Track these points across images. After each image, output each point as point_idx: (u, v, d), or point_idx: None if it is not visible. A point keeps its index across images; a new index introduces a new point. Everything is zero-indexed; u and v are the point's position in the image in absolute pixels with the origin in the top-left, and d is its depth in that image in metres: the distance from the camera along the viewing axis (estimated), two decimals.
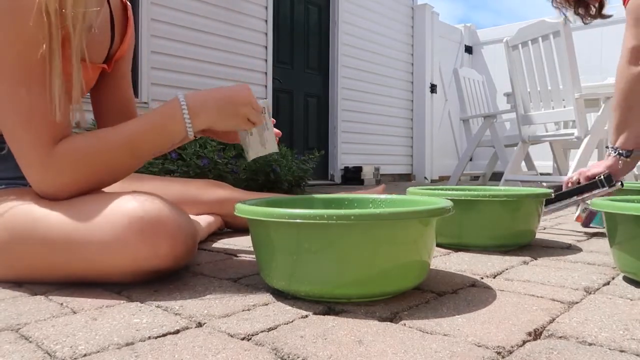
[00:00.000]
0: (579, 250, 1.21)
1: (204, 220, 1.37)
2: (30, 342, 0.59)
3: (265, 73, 4.61)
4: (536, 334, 0.62)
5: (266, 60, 4.62)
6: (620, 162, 1.34)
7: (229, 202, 1.43)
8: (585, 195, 1.39)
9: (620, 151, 1.33)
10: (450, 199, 0.94)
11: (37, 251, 0.81)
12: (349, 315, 0.68)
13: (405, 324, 0.65)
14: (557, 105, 2.69)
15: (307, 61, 5.15)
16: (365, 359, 0.54)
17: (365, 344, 0.58)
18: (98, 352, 0.56)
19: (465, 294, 0.79)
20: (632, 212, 0.81)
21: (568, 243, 1.31)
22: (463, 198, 1.14)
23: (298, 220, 0.68)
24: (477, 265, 1.01)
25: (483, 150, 4.70)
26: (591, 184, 1.35)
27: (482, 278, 0.91)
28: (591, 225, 1.46)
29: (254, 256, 1.05)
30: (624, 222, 0.85)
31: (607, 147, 1.38)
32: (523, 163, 3.27)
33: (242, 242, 1.33)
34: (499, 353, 0.55)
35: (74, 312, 0.70)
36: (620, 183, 1.36)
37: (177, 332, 0.62)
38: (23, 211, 0.82)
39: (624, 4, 1.32)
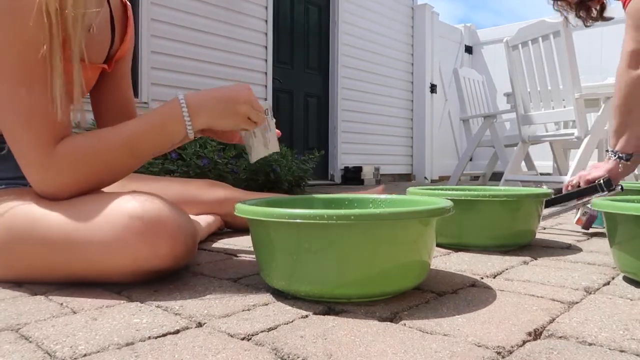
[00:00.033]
0: (579, 250, 1.21)
1: (204, 220, 1.37)
2: (30, 342, 0.59)
3: (265, 73, 4.61)
4: (536, 334, 0.62)
5: (266, 60, 4.62)
6: (620, 165, 1.34)
7: (229, 202, 1.43)
8: (585, 199, 1.39)
9: (620, 155, 1.33)
10: (450, 199, 0.94)
11: (37, 251, 0.81)
12: (349, 315, 0.68)
13: (405, 324, 0.65)
14: (557, 105, 2.69)
15: (307, 61, 5.15)
16: (365, 359, 0.54)
17: (365, 344, 0.58)
18: (98, 352, 0.56)
19: (465, 294, 0.79)
20: (632, 212, 0.81)
21: (568, 243, 1.31)
22: (463, 198, 1.14)
23: (298, 220, 0.68)
24: (477, 265, 1.01)
25: (483, 150, 4.70)
26: (591, 188, 1.35)
27: (482, 278, 0.91)
28: (592, 225, 1.46)
29: (254, 256, 1.05)
30: (624, 222, 0.85)
31: (607, 150, 1.38)
32: (523, 163, 3.27)
33: (242, 242, 1.33)
34: (499, 353, 0.55)
35: (74, 312, 0.70)
36: (620, 187, 1.36)
37: (177, 332, 0.62)
38: (23, 211, 0.82)
39: (623, 6, 1.32)
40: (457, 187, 1.39)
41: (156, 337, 0.60)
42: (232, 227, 1.52)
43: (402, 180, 6.13)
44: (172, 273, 0.91)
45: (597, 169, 1.38)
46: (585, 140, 2.56)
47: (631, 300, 0.77)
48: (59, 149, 0.83)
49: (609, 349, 0.57)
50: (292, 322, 0.66)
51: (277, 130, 1.05)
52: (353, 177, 5.16)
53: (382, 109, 5.86)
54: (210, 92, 0.93)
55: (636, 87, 1.28)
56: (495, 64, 6.73)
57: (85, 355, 0.55)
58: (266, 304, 0.74)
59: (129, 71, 1.16)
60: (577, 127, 2.56)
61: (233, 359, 0.54)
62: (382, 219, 0.69)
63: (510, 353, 0.55)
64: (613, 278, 0.91)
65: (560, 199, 1.42)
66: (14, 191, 0.88)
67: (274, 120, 1.02)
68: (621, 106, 1.31)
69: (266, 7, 4.60)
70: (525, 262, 1.05)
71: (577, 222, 1.45)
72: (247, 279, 0.90)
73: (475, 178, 5.07)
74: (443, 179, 6.39)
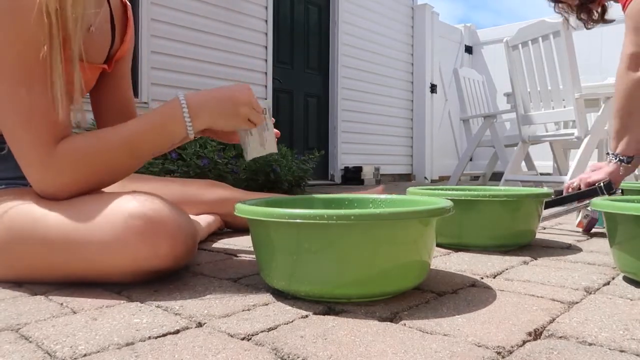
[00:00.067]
0: (579, 250, 1.21)
1: (204, 220, 1.37)
2: (30, 342, 0.59)
3: (265, 73, 4.61)
4: (536, 334, 0.62)
5: (266, 60, 4.62)
6: (621, 168, 1.34)
7: (229, 202, 1.43)
8: (585, 201, 1.39)
9: (621, 157, 1.34)
10: (450, 199, 0.94)
11: (36, 251, 0.81)
12: (349, 315, 0.68)
13: (405, 324, 0.65)
14: (557, 105, 2.69)
15: (307, 61, 5.15)
16: (365, 359, 0.54)
17: (365, 344, 0.58)
18: (98, 352, 0.56)
19: (465, 294, 0.79)
20: (632, 212, 0.81)
21: (568, 243, 1.31)
22: (463, 198, 1.14)
23: (298, 220, 0.68)
24: (477, 265, 1.01)
25: (483, 150, 4.70)
26: (591, 191, 1.35)
27: (482, 278, 0.91)
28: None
29: (254, 256, 1.05)
30: (624, 222, 0.85)
31: (607, 153, 1.38)
32: (523, 163, 3.27)
33: (242, 242, 1.33)
34: (499, 353, 0.55)
35: (74, 312, 0.70)
36: (620, 191, 1.36)
37: (177, 332, 0.62)
38: (23, 211, 0.82)
39: (623, 9, 1.32)
40: (457, 187, 1.39)
41: (156, 337, 0.60)
42: (232, 227, 1.52)
43: (402, 180, 6.13)
44: (172, 273, 0.91)
45: (598, 172, 1.38)
46: (585, 140, 2.56)
47: (631, 300, 0.77)
48: (59, 149, 0.83)
49: (609, 349, 0.57)
50: (292, 322, 0.66)
51: (276, 131, 1.05)
52: (353, 177, 5.16)
53: (382, 109, 5.86)
54: (211, 92, 0.93)
55: (636, 89, 1.28)
56: (495, 64, 6.73)
57: (85, 355, 0.55)
58: (266, 304, 0.74)
59: (129, 71, 1.16)
60: (577, 127, 2.56)
61: (233, 359, 0.54)
62: (382, 219, 0.69)
63: (510, 353, 0.55)
64: (613, 278, 0.91)
65: (560, 201, 1.42)
66: (14, 191, 0.88)
67: (273, 120, 1.02)
68: (621, 109, 1.31)
69: (266, 7, 4.60)
70: (525, 262, 1.05)
71: (578, 225, 1.45)
72: (247, 279, 0.90)
73: (475, 178, 5.07)
74: (443, 179, 6.39)
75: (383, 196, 0.99)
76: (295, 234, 0.71)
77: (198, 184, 1.47)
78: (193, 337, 0.60)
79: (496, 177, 3.69)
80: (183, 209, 0.90)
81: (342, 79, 5.33)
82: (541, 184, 3.08)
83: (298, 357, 0.54)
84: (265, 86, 4.60)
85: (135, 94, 3.62)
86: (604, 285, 0.86)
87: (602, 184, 1.34)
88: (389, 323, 0.65)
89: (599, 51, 5.65)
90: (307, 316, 0.68)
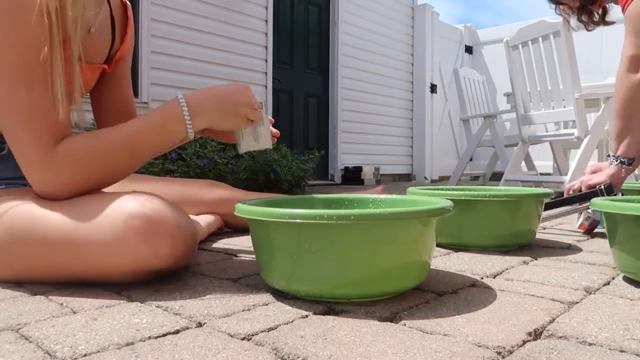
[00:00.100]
0: (579, 250, 1.21)
1: (204, 220, 1.37)
2: (31, 342, 0.59)
3: (265, 73, 4.61)
4: (536, 334, 0.62)
5: (266, 60, 4.62)
6: (622, 170, 1.34)
7: (229, 202, 1.43)
8: (585, 204, 1.40)
9: (622, 159, 1.34)
10: (450, 199, 0.94)
11: (37, 251, 0.81)
12: (349, 315, 0.68)
13: (405, 324, 0.65)
14: (557, 105, 2.69)
15: (307, 61, 5.15)
16: (365, 359, 0.54)
17: (365, 344, 0.58)
18: (98, 352, 0.56)
19: (465, 294, 0.79)
20: (632, 212, 0.81)
21: (568, 243, 1.31)
22: (463, 198, 1.14)
23: (298, 220, 0.68)
24: (477, 265, 1.01)
25: (483, 150, 4.70)
26: (592, 193, 1.35)
27: (482, 278, 0.91)
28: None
29: (254, 256, 1.05)
30: (624, 222, 0.85)
31: (608, 155, 1.39)
32: (523, 163, 3.27)
33: (242, 242, 1.33)
34: (499, 353, 0.55)
35: (74, 312, 0.70)
36: (621, 194, 1.37)
37: (177, 332, 0.62)
38: (23, 211, 0.82)
39: (622, 11, 1.32)
40: (457, 187, 1.39)
41: (156, 337, 0.60)
42: (232, 227, 1.52)
43: (402, 180, 6.13)
44: (172, 273, 0.91)
45: (599, 174, 1.38)
46: (585, 140, 2.56)
47: (631, 300, 0.77)
48: (59, 149, 0.83)
49: (609, 349, 0.57)
50: (292, 322, 0.66)
51: (276, 130, 1.05)
52: (353, 177, 5.16)
53: (382, 109, 5.86)
54: (210, 91, 0.92)
55: (636, 91, 1.28)
56: (495, 64, 6.73)
57: (85, 355, 0.55)
58: (266, 304, 0.74)
59: (129, 71, 1.16)
60: (577, 127, 2.56)
61: (233, 359, 0.54)
62: (382, 219, 0.69)
63: (510, 353, 0.55)
64: (613, 278, 0.91)
65: (561, 203, 1.43)
66: (14, 191, 0.88)
67: (269, 115, 1.01)
68: (621, 111, 1.32)
69: (266, 7, 4.60)
70: (525, 262, 1.05)
71: (580, 227, 1.45)
72: (247, 279, 0.90)
73: (475, 178, 5.07)
74: (443, 179, 6.39)
75: (383, 196, 0.99)
76: (295, 234, 0.71)
77: (198, 184, 1.47)
78: (193, 337, 0.60)
79: (496, 177, 3.69)
80: (183, 209, 0.90)
81: (342, 79, 5.33)
82: (541, 184, 3.09)
83: (298, 357, 0.54)
84: (265, 86, 4.60)
85: (135, 94, 3.62)
86: (604, 285, 0.86)
87: (603, 187, 1.34)
88: (389, 323, 0.65)
89: (599, 51, 5.65)
90: (307, 316, 0.68)
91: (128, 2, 1.11)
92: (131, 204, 0.80)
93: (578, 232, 1.50)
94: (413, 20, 6.29)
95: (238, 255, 1.15)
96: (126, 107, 1.14)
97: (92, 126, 1.31)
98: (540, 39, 2.63)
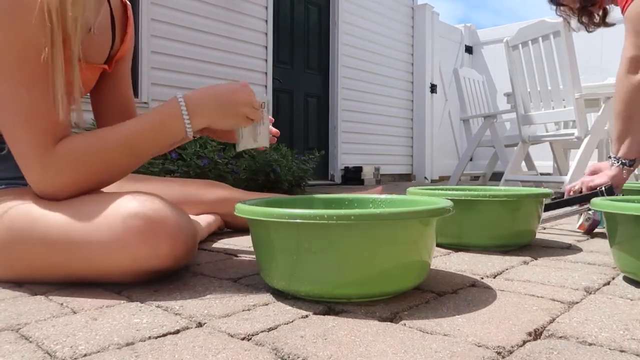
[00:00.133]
0: (579, 250, 1.21)
1: (204, 220, 1.37)
2: (31, 342, 0.59)
3: (265, 73, 4.61)
4: (536, 334, 0.62)
5: (266, 60, 4.62)
6: (623, 171, 1.34)
7: (229, 202, 1.43)
8: (586, 205, 1.40)
9: (623, 161, 1.34)
10: (450, 199, 0.94)
11: (37, 251, 0.81)
12: (349, 315, 0.68)
13: (405, 324, 0.65)
14: (557, 105, 2.69)
15: (307, 61, 5.15)
16: (365, 359, 0.54)
17: (365, 344, 0.58)
18: (98, 352, 0.56)
19: (465, 294, 0.79)
20: (632, 212, 0.81)
21: (568, 243, 1.31)
22: (463, 198, 1.14)
23: (298, 220, 0.68)
24: (477, 265, 1.01)
25: (483, 150, 4.70)
26: (592, 194, 1.35)
27: (482, 278, 0.91)
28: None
29: (254, 256, 1.05)
30: (624, 222, 0.85)
31: (609, 157, 1.39)
32: (523, 163, 3.27)
33: (242, 242, 1.33)
34: (499, 353, 0.55)
35: (74, 312, 0.70)
36: (622, 194, 1.37)
37: (177, 332, 0.62)
38: (23, 211, 0.82)
39: (622, 12, 1.32)
40: (457, 187, 1.39)
41: (156, 337, 0.60)
42: (232, 227, 1.52)
43: (402, 180, 6.13)
44: (172, 273, 0.91)
45: (601, 175, 1.38)
46: (586, 140, 2.56)
47: (631, 300, 0.77)
48: (58, 149, 0.83)
49: (609, 349, 0.57)
50: (292, 322, 0.66)
51: (276, 130, 1.05)
52: (353, 177, 5.16)
53: (382, 109, 5.86)
54: (208, 90, 0.92)
55: (636, 93, 1.28)
56: (495, 64, 6.73)
57: (85, 355, 0.55)
58: (266, 304, 0.74)
59: (129, 71, 1.16)
60: (577, 127, 2.56)
61: (233, 359, 0.54)
62: (382, 219, 0.69)
63: (511, 353, 0.55)
64: (613, 278, 0.91)
65: (561, 203, 1.43)
66: (13, 191, 0.88)
67: (271, 118, 1.01)
68: (622, 112, 1.32)
69: (266, 7, 4.60)
70: (525, 262, 1.05)
71: (580, 227, 1.45)
72: (247, 279, 0.90)
73: (475, 178, 5.07)
74: (443, 179, 6.39)
75: (383, 196, 0.99)
76: (295, 234, 0.71)
77: (198, 184, 1.47)
78: (193, 337, 0.60)
79: (496, 177, 3.69)
80: (183, 209, 0.90)
81: (342, 79, 5.33)
82: (541, 184, 3.09)
83: (298, 357, 0.54)
84: (265, 86, 4.60)
85: (135, 94, 3.62)
86: (604, 285, 0.86)
87: (603, 188, 1.34)
88: (389, 323, 0.65)
89: (600, 51, 5.65)
90: (307, 316, 0.68)
91: (128, 2, 1.11)
92: (131, 204, 0.80)
93: (578, 232, 1.50)
94: (413, 20, 6.29)
95: (238, 255, 1.15)
96: (126, 107, 1.14)
97: (92, 126, 1.31)
98: (540, 39, 2.63)
